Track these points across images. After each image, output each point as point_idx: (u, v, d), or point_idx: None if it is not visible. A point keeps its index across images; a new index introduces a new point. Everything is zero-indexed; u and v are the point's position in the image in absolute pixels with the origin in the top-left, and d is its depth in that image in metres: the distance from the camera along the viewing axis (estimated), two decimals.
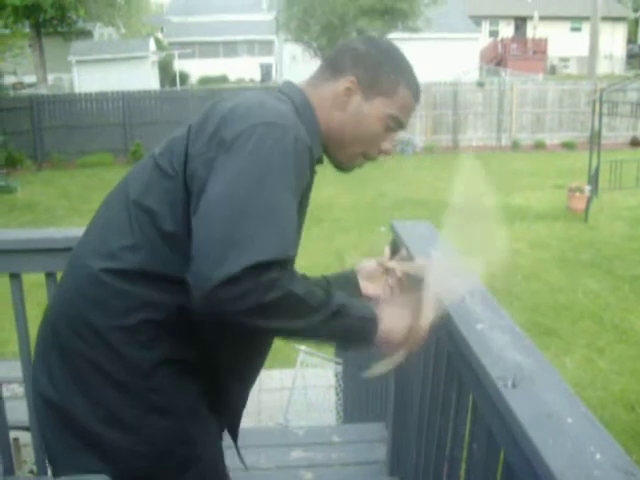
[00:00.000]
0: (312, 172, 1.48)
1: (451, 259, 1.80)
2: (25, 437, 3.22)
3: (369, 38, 1.67)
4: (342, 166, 1.67)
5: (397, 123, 1.61)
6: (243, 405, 1.74)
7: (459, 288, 1.69)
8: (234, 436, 1.77)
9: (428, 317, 1.55)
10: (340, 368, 4.93)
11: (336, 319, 1.38)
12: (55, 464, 1.55)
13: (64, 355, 1.48)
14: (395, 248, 2.06)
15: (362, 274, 1.86)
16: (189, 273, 1.25)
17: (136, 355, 1.42)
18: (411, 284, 1.79)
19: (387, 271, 1.86)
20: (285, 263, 1.27)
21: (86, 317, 1.44)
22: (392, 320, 1.50)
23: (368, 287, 1.85)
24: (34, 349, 1.60)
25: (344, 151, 1.62)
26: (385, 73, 1.57)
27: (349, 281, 1.84)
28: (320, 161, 1.60)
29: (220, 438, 1.68)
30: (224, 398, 1.63)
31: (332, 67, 1.60)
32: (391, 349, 1.53)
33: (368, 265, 1.87)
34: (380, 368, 1.59)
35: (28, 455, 3.63)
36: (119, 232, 1.45)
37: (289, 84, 1.63)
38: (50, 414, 1.50)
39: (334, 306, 1.38)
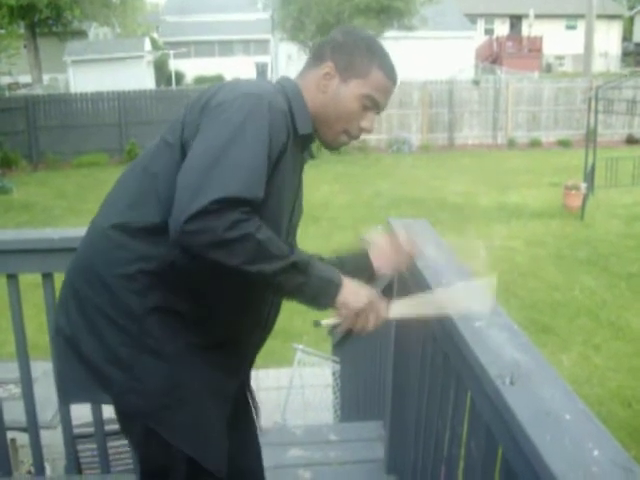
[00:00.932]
0: (289, 135, 1.64)
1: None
2: (22, 438, 3.21)
3: (348, 29, 1.88)
4: (329, 145, 1.84)
5: (373, 102, 1.77)
6: (251, 361, 1.93)
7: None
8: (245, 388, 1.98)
9: (393, 311, 1.70)
10: (337, 367, 4.93)
11: (295, 272, 1.53)
12: (65, 392, 1.78)
13: (78, 301, 1.70)
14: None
15: (374, 251, 1.99)
16: (170, 214, 1.48)
17: (132, 301, 1.63)
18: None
19: (397, 247, 1.97)
20: (249, 204, 1.47)
21: (94, 267, 1.68)
22: (352, 292, 1.62)
23: (381, 265, 1.97)
24: (58, 297, 1.82)
25: (329, 130, 1.79)
26: (358, 57, 1.75)
27: (361, 262, 1.98)
28: (311, 139, 1.80)
29: (223, 391, 1.78)
30: (229, 353, 1.77)
31: (315, 57, 1.81)
32: (344, 316, 1.64)
33: (381, 240, 2.01)
34: (329, 322, 1.70)
35: (25, 456, 3.62)
36: (127, 195, 1.69)
37: (285, 78, 1.83)
38: (66, 348, 1.73)
39: (294, 258, 1.53)
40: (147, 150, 1.75)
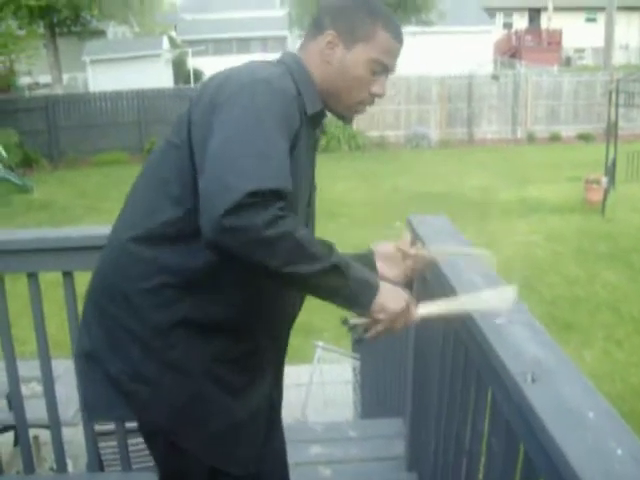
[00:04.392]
0: (302, 118, 1.58)
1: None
2: (45, 435, 3.24)
3: None
4: (342, 117, 1.77)
5: (382, 66, 1.69)
6: (282, 361, 1.88)
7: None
8: (279, 395, 1.90)
9: (420, 311, 1.66)
10: (357, 363, 4.93)
11: (334, 274, 1.46)
12: (91, 410, 1.77)
13: (99, 316, 1.67)
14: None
15: (379, 256, 1.91)
16: (199, 212, 1.40)
17: (156, 315, 1.58)
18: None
19: (406, 256, 1.89)
20: (283, 197, 1.40)
21: (116, 284, 1.63)
22: (390, 295, 1.57)
23: (386, 271, 1.89)
24: (82, 316, 1.77)
25: (340, 102, 1.72)
26: (360, 20, 1.66)
27: (367, 261, 1.89)
28: (323, 115, 1.72)
29: (254, 398, 1.72)
30: (257, 360, 1.72)
31: (315, 27, 1.72)
32: (379, 319, 1.57)
33: (386, 247, 1.92)
34: (358, 321, 1.62)
35: (48, 453, 3.66)
36: (140, 204, 1.65)
37: (287, 53, 1.76)
38: (88, 366, 1.70)
39: (334, 260, 1.46)
40: (153, 155, 1.70)
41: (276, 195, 1.38)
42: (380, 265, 1.90)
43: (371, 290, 1.54)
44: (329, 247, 1.49)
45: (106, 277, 1.67)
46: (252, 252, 1.37)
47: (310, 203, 1.77)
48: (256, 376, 1.73)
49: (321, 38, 1.68)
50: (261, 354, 1.73)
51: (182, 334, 1.58)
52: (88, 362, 1.70)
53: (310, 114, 1.64)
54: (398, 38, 1.70)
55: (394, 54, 1.70)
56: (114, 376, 1.62)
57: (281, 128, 1.48)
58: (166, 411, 1.63)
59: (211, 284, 1.57)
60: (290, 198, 1.46)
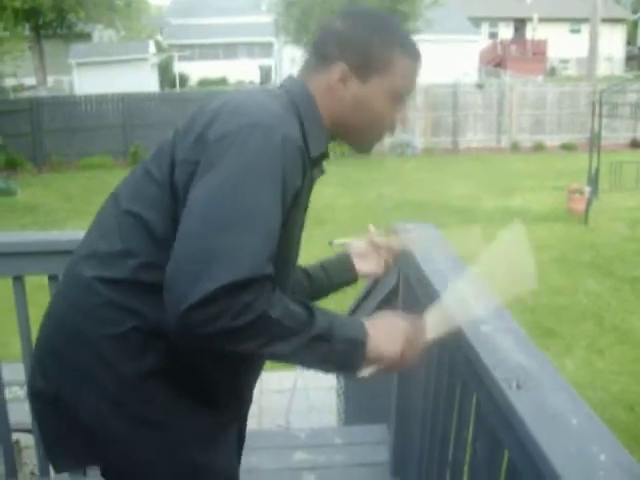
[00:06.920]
0: (306, 171, 1.40)
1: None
2: (26, 439, 3.22)
3: (347, 15, 1.52)
4: (364, 150, 1.60)
5: (404, 91, 1.52)
6: (247, 406, 1.73)
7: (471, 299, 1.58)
8: (241, 440, 1.78)
9: (427, 339, 1.53)
10: None
11: (317, 343, 1.31)
12: (56, 462, 1.54)
13: (59, 361, 1.46)
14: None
15: (355, 254, 1.93)
16: (164, 291, 1.22)
17: (126, 365, 1.39)
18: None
19: (379, 248, 1.92)
20: (262, 282, 1.22)
21: (78, 326, 1.42)
22: (385, 342, 1.41)
23: (363, 266, 1.92)
24: (33, 353, 1.58)
25: (362, 138, 1.57)
26: (375, 49, 1.45)
27: (344, 265, 1.91)
28: (326, 156, 1.52)
29: (225, 444, 1.59)
30: (227, 403, 1.57)
31: (320, 56, 1.50)
32: (382, 365, 1.45)
33: (358, 245, 1.93)
34: (368, 371, 1.48)
35: (29, 457, 3.63)
36: (110, 239, 1.42)
37: (291, 78, 1.54)
38: (49, 412, 1.49)
39: (317, 329, 1.31)
40: (126, 182, 1.50)
41: (252, 282, 1.20)
42: (357, 262, 1.92)
43: (359, 346, 1.38)
44: (309, 312, 1.33)
45: (64, 314, 1.47)
46: (223, 341, 1.23)
47: (299, 239, 1.60)
48: (231, 419, 1.62)
49: (330, 72, 1.46)
50: (235, 398, 1.61)
51: (155, 385, 1.41)
52: (45, 407, 1.50)
53: (313, 157, 1.45)
54: (417, 58, 1.51)
55: (414, 76, 1.52)
56: (77, 423, 1.44)
57: (277, 188, 1.28)
58: (135, 466, 1.46)
59: None
60: (281, 250, 1.32)
